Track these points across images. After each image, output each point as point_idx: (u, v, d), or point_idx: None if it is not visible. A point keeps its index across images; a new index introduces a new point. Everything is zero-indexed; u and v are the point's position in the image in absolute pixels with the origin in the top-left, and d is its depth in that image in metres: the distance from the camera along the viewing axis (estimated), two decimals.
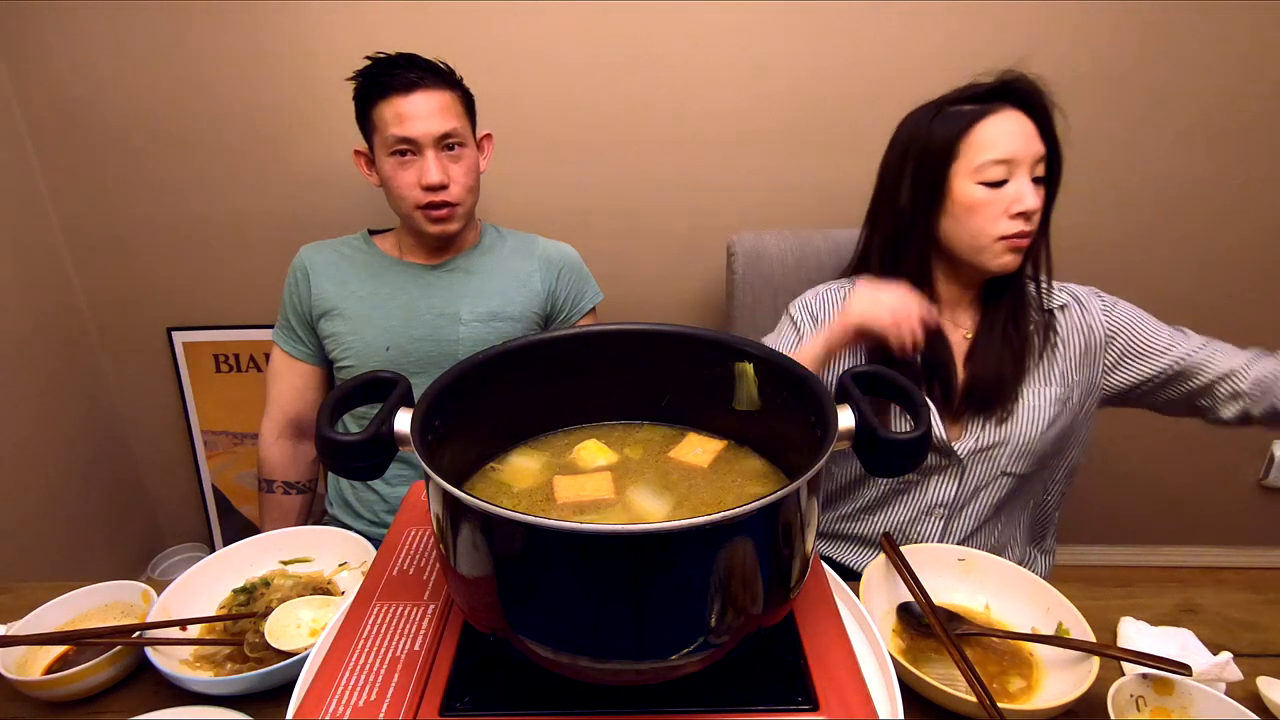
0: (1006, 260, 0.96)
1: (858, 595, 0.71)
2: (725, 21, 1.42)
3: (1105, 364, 1.05)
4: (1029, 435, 1.01)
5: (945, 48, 1.43)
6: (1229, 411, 1.00)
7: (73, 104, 1.47)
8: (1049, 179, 0.97)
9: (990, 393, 1.00)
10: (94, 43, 1.42)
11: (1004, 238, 0.94)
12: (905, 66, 1.44)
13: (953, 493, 1.05)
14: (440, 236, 1.20)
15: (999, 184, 0.93)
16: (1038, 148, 0.94)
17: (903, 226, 1.01)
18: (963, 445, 1.02)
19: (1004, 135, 0.93)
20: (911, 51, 1.44)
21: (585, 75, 1.46)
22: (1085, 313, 1.05)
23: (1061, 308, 1.05)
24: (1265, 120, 1.48)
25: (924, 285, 1.01)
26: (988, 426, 1.02)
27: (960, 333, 1.04)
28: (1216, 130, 1.49)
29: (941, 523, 1.06)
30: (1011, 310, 1.02)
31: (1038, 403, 1.01)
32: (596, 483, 0.62)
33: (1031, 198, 0.93)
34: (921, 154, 0.97)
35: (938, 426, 1.01)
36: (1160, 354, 1.02)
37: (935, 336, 0.99)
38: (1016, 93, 0.95)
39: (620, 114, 1.49)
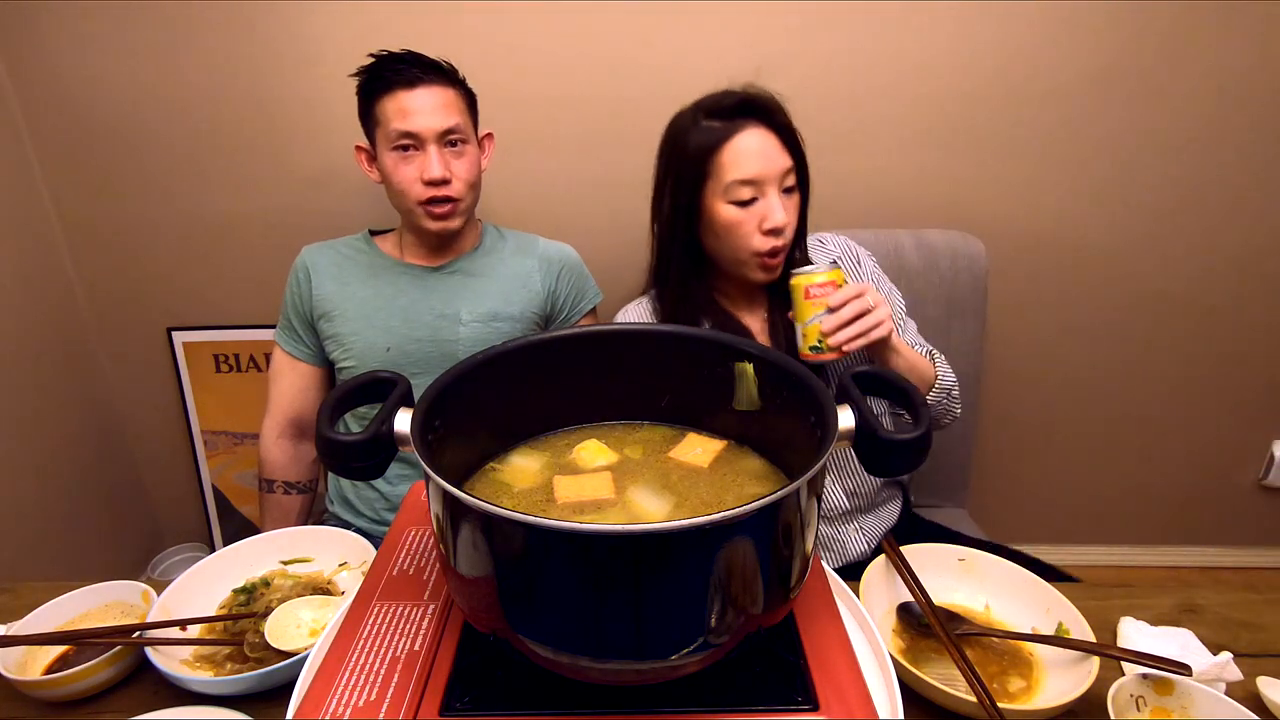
0: (763, 276, 1.00)
1: (858, 595, 0.72)
2: (726, 22, 1.42)
3: None
4: None
5: (946, 48, 1.43)
6: None
7: (73, 104, 1.47)
8: (801, 187, 1.00)
9: None
10: (94, 43, 1.42)
11: (759, 254, 0.98)
12: (905, 66, 1.44)
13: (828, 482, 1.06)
14: (441, 234, 1.20)
15: (749, 202, 0.96)
16: (783, 163, 0.96)
17: (668, 238, 1.04)
18: None
19: (749, 155, 0.95)
20: (912, 52, 1.44)
21: (585, 75, 1.46)
22: (860, 269, 1.11)
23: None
24: (1266, 121, 1.48)
25: (698, 289, 1.05)
26: None
27: (758, 318, 1.09)
28: (1217, 131, 1.49)
29: (835, 486, 1.10)
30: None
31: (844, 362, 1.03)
32: (596, 483, 0.62)
33: (779, 214, 0.96)
34: (679, 169, 1.00)
35: None
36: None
37: (736, 329, 1.04)
38: (758, 109, 0.97)
39: (621, 114, 1.49)
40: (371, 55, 1.14)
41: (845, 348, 0.92)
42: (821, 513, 1.12)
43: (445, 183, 1.14)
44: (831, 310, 0.92)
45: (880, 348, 0.98)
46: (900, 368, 1.00)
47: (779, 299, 1.06)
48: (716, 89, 1.47)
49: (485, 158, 1.25)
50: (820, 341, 0.93)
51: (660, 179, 1.05)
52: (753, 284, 1.05)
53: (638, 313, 1.12)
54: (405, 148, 1.13)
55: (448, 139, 1.14)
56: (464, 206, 1.18)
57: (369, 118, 1.16)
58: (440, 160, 1.13)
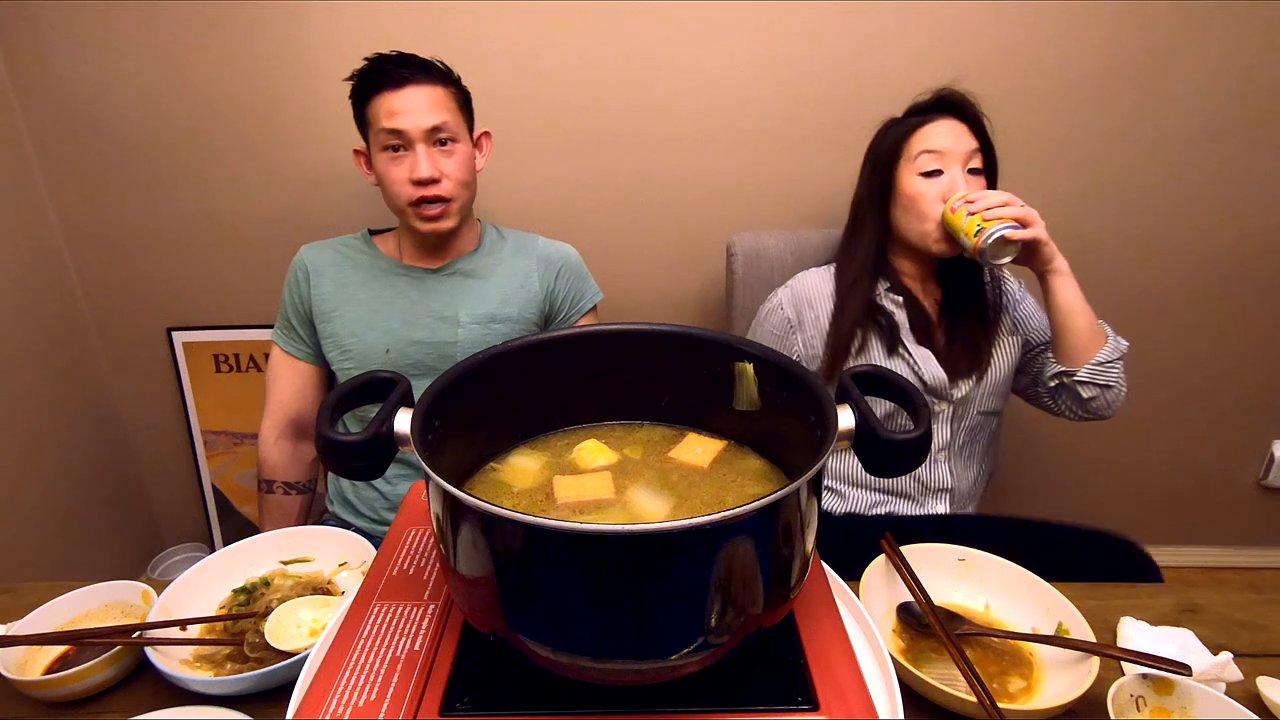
0: (945, 248, 1.10)
1: (858, 595, 0.72)
2: (726, 21, 1.42)
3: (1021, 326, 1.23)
4: (997, 378, 1.18)
5: (946, 48, 1.43)
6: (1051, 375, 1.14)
7: (73, 104, 1.47)
8: (988, 172, 1.13)
9: (967, 364, 1.15)
10: (94, 43, 1.42)
11: (941, 224, 1.09)
12: (906, 66, 1.44)
13: (948, 435, 1.19)
14: (434, 235, 1.19)
15: (935, 174, 1.09)
16: (970, 144, 1.10)
17: (860, 219, 1.19)
18: (956, 391, 1.16)
19: (937, 134, 1.10)
20: (912, 52, 1.44)
21: (586, 75, 1.46)
22: (1009, 280, 1.24)
23: (1000, 280, 1.22)
24: (1266, 121, 1.48)
25: (881, 268, 1.18)
26: (967, 382, 1.16)
27: (930, 300, 1.20)
28: (1217, 130, 1.49)
29: (946, 465, 1.19)
30: (971, 288, 1.18)
31: (1002, 350, 1.18)
32: (596, 483, 0.62)
33: (962, 185, 1.08)
34: (876, 159, 1.16)
35: (939, 371, 1.14)
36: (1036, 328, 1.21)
37: (915, 304, 1.16)
38: (950, 104, 1.11)
39: (620, 114, 1.49)
40: (365, 59, 1.14)
41: (994, 217, 1.01)
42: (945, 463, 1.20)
43: (434, 182, 1.13)
44: (972, 201, 1.04)
45: (1040, 261, 1.06)
46: (1068, 301, 1.06)
47: (954, 284, 1.18)
48: (715, 88, 1.49)
49: (482, 156, 1.25)
50: (981, 224, 1.01)
51: (862, 170, 1.20)
52: (931, 265, 1.18)
53: (818, 276, 1.23)
54: (395, 148, 1.13)
55: (437, 138, 1.13)
56: (456, 207, 1.18)
57: (362, 121, 1.17)
58: (429, 160, 1.12)
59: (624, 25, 1.42)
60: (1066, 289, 1.06)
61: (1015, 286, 1.25)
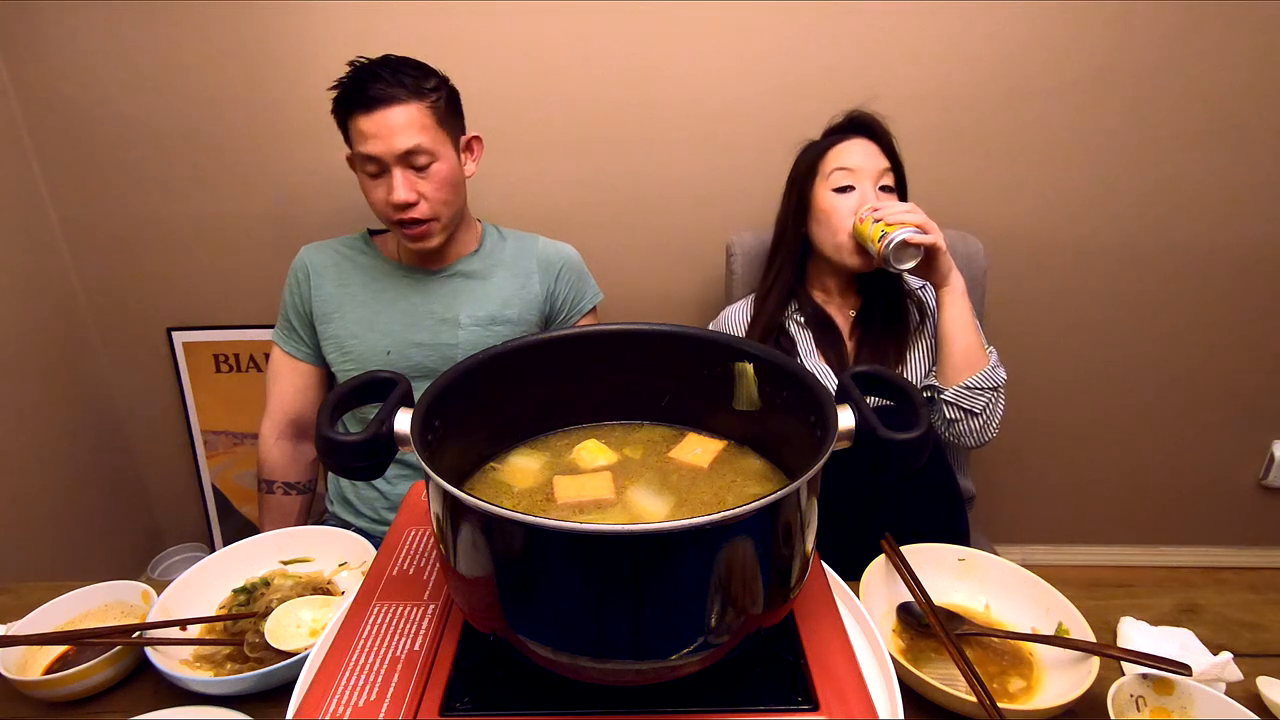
0: (858, 261, 1.14)
1: (858, 595, 0.72)
2: (725, 21, 1.42)
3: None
4: (913, 382, 1.15)
5: (945, 48, 1.43)
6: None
7: (72, 103, 1.47)
8: (898, 189, 1.17)
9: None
10: (94, 42, 1.42)
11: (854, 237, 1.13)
12: (905, 66, 1.44)
13: None
14: (420, 252, 1.19)
15: (848, 190, 1.14)
16: (881, 163, 1.14)
17: (781, 235, 1.24)
18: None
19: (849, 153, 1.15)
20: (911, 52, 1.44)
21: (584, 75, 1.46)
22: (926, 292, 1.25)
23: (922, 288, 1.25)
24: (1266, 121, 1.48)
25: (798, 282, 1.23)
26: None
27: (846, 312, 1.23)
28: (1217, 130, 1.49)
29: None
30: (885, 299, 1.20)
31: (918, 354, 1.20)
32: (596, 483, 0.62)
33: (872, 199, 1.12)
34: (794, 178, 1.21)
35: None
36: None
37: (823, 321, 1.20)
38: (862, 125, 1.17)
39: (620, 114, 1.49)
40: (349, 63, 1.10)
41: (896, 222, 1.04)
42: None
43: (412, 205, 1.11)
44: (877, 209, 1.08)
45: (938, 274, 1.08)
46: (954, 319, 1.09)
47: (870, 295, 1.21)
48: (715, 88, 1.49)
49: (473, 161, 1.22)
50: (885, 230, 1.04)
51: (784, 190, 1.23)
52: (849, 277, 1.21)
53: (739, 307, 1.27)
54: (373, 171, 1.11)
55: (411, 161, 1.10)
56: (440, 225, 1.15)
57: (346, 136, 1.14)
58: (405, 183, 1.09)
59: (622, 25, 1.42)
60: (955, 306, 1.09)
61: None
